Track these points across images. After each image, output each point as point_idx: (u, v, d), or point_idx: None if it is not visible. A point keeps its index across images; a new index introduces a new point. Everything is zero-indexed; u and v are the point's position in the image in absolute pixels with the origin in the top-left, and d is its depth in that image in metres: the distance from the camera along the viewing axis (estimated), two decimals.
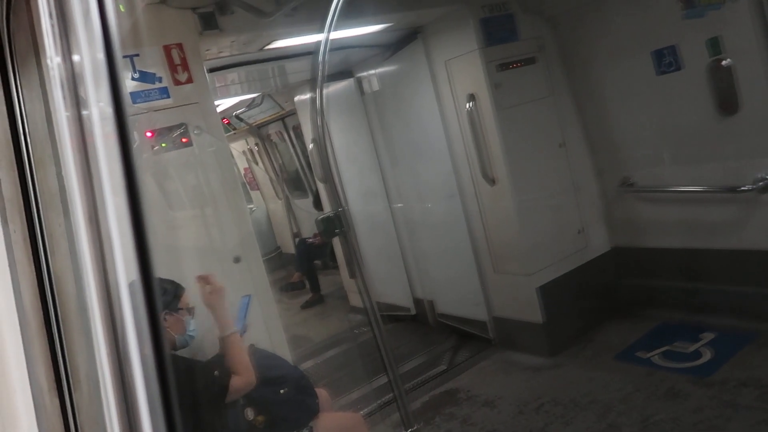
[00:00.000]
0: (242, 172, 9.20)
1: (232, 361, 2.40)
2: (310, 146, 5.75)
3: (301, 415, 2.59)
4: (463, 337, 4.62)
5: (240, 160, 9.07)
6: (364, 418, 3.41)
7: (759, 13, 3.27)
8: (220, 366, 2.42)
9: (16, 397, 1.35)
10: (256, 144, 8.54)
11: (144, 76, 2.85)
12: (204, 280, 2.46)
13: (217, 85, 4.79)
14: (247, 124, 7.89)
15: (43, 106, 1.54)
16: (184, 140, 2.99)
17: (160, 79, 2.90)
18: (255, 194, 9.31)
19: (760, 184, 3.44)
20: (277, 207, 8.90)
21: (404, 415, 3.11)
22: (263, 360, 2.57)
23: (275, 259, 8.62)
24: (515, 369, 4.02)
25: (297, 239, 7.84)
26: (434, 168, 4.60)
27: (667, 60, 3.72)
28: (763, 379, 3.13)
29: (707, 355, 3.50)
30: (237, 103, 6.64)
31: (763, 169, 3.43)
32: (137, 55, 2.87)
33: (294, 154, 7.74)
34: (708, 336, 3.67)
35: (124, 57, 2.77)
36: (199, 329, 2.48)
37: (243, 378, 2.37)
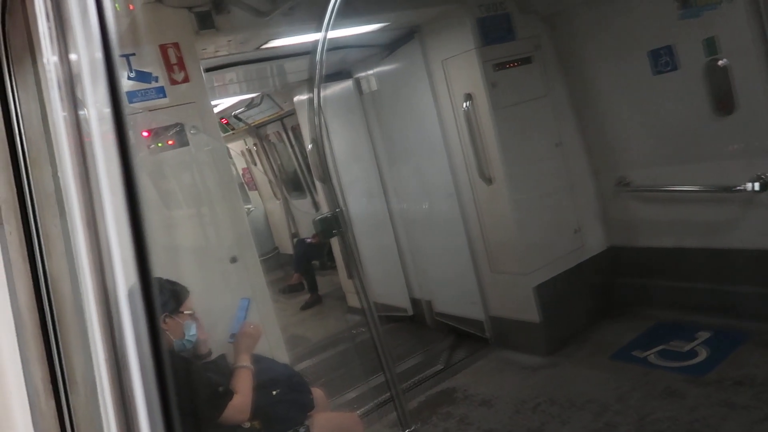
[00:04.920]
0: (240, 172, 9.17)
1: (238, 386, 2.43)
2: (309, 147, 5.73)
3: (296, 413, 2.58)
4: (460, 337, 4.63)
5: (238, 160, 9.05)
6: (360, 418, 3.41)
7: (755, 13, 3.28)
8: (225, 383, 2.43)
9: (12, 398, 1.34)
10: (255, 144, 8.52)
11: (140, 76, 2.85)
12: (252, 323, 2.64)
13: (216, 84, 4.77)
14: (245, 124, 7.86)
15: (38, 106, 1.53)
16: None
17: (156, 79, 2.90)
18: (253, 194, 9.29)
19: (757, 183, 3.45)
20: (276, 207, 8.88)
21: (401, 415, 3.10)
22: (253, 365, 2.56)
23: (273, 260, 8.60)
24: (512, 368, 4.02)
25: (295, 239, 7.83)
26: (432, 167, 4.60)
27: (663, 60, 3.72)
28: (759, 378, 3.14)
29: (703, 354, 3.51)
30: (236, 103, 6.62)
31: (759, 169, 3.44)
32: (133, 54, 2.86)
33: (292, 155, 7.72)
34: (703, 335, 3.68)
35: (120, 56, 2.76)
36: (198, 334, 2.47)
37: (241, 401, 2.38)
